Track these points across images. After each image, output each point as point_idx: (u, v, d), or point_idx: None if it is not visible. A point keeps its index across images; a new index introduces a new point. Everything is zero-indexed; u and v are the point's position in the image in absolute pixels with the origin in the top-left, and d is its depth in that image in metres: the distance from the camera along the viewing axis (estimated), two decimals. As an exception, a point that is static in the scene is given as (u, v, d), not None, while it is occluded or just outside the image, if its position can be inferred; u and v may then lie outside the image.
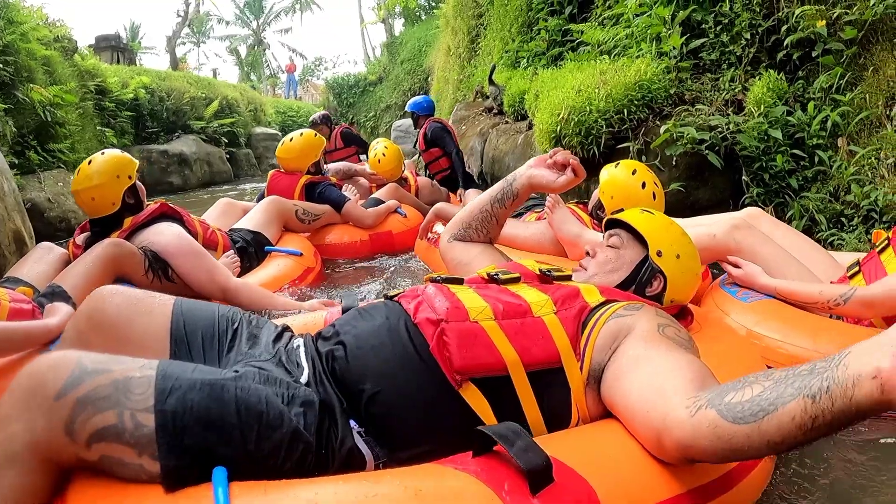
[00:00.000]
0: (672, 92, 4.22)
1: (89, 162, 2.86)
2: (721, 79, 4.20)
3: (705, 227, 2.48)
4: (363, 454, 1.27)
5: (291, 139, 4.46)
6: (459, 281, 1.59)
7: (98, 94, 9.05)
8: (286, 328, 1.62)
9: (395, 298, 1.54)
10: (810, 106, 3.64)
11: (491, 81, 7.56)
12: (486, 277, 1.62)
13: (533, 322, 1.38)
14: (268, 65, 39.37)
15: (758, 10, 4.03)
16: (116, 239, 2.70)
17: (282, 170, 4.51)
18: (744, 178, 3.80)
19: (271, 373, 1.29)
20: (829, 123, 3.52)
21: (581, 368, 1.34)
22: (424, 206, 5.08)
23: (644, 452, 1.19)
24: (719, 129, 3.82)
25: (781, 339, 2.06)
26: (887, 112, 3.41)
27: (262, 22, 41.15)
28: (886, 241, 2.69)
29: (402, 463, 1.24)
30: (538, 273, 1.64)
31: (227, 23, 41.50)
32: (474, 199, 2.04)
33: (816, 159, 3.57)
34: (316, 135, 4.53)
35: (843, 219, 3.42)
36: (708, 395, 1.07)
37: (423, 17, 20.79)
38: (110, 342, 1.36)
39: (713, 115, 3.94)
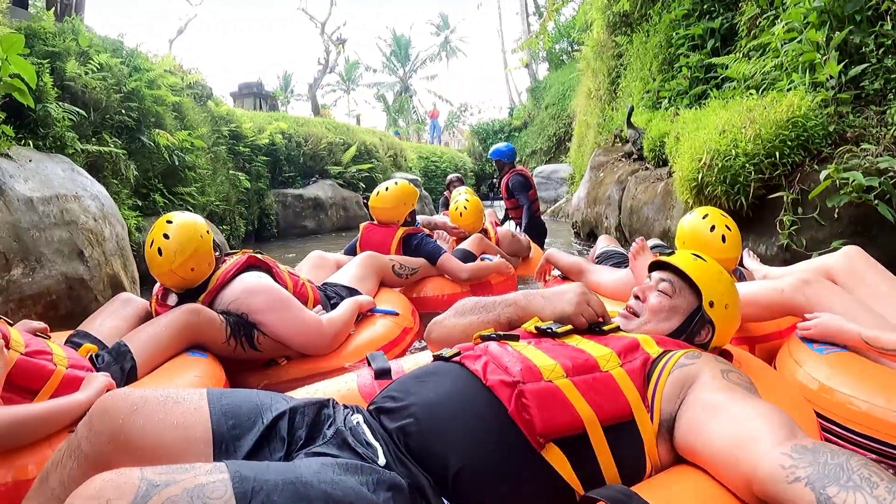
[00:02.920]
0: (831, 129, 3.52)
1: (155, 244, 2.57)
2: (888, 111, 3.45)
3: (773, 282, 2.38)
4: None
5: (387, 189, 4.32)
6: (515, 337, 1.57)
7: (232, 139, 9.33)
8: (331, 401, 1.48)
9: (455, 359, 1.50)
10: None
11: (629, 124, 7.08)
12: (535, 331, 1.60)
13: (603, 377, 1.38)
14: (415, 111, 40.28)
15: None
16: (195, 306, 2.53)
17: (374, 221, 4.37)
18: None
19: (346, 459, 1.21)
20: None
21: (651, 419, 1.36)
22: (508, 256, 5.06)
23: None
24: (890, 174, 3.08)
25: (852, 394, 1.91)
26: None
27: (409, 69, 42.58)
28: None
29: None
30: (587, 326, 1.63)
31: (375, 70, 43.35)
32: (461, 317, 1.86)
33: None
34: (409, 184, 4.40)
35: None
36: (805, 463, 1.06)
37: (565, 61, 20.40)
38: (142, 462, 1.13)
39: (882, 155, 3.20)
